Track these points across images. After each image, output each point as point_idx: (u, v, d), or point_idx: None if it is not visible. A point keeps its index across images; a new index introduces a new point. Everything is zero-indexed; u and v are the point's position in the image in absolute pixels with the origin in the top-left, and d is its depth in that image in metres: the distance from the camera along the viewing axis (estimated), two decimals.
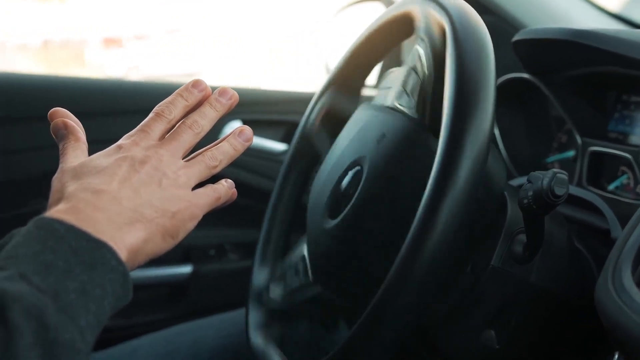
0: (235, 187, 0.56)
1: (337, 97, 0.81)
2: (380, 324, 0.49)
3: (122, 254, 0.44)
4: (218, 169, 0.54)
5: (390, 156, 0.61)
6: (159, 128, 0.52)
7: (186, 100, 0.54)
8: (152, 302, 1.26)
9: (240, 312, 0.82)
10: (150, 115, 0.53)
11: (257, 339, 0.74)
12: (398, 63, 1.49)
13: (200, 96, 0.55)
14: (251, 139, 0.56)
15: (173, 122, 0.53)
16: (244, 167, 1.24)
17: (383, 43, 0.76)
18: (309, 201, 0.73)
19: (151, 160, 0.49)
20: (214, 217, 1.26)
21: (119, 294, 0.44)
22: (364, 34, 0.76)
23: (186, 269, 1.25)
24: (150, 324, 1.23)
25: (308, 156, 0.83)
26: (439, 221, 0.47)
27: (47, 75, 1.23)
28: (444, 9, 0.57)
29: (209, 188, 0.53)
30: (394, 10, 0.70)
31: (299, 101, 1.27)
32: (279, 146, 1.29)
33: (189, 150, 0.53)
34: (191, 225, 0.50)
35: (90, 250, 0.42)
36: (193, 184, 0.51)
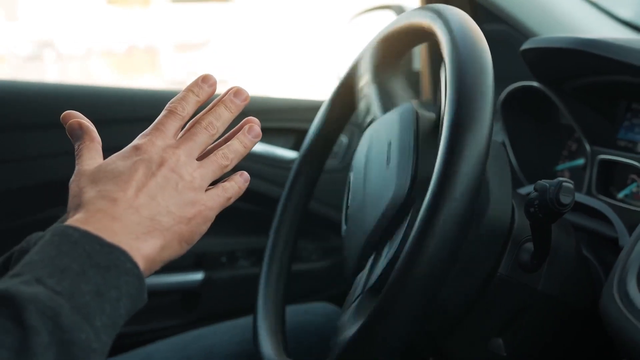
0: (246, 195, 0.57)
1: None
2: (382, 327, 0.50)
3: (140, 262, 0.45)
4: (229, 168, 0.54)
5: None
6: (173, 126, 0.52)
7: (197, 96, 0.54)
8: (165, 309, 1.28)
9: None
10: (163, 112, 0.53)
11: (267, 348, 0.74)
12: (409, 69, 1.50)
13: (211, 91, 0.54)
14: (260, 135, 0.56)
15: (186, 119, 0.53)
16: (254, 175, 1.24)
17: (398, 46, 0.77)
18: None
19: (168, 162, 0.50)
20: (225, 225, 1.28)
21: (134, 296, 0.45)
22: (380, 34, 0.78)
23: (198, 276, 1.26)
24: (163, 330, 1.24)
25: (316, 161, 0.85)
26: (434, 237, 0.48)
27: (58, 83, 1.25)
28: (447, 26, 0.57)
29: (220, 189, 0.53)
30: (402, 21, 0.71)
31: (309, 109, 1.27)
32: (288, 154, 1.30)
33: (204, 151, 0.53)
34: (205, 228, 0.51)
35: (104, 254, 0.43)
36: (207, 185, 0.52)
